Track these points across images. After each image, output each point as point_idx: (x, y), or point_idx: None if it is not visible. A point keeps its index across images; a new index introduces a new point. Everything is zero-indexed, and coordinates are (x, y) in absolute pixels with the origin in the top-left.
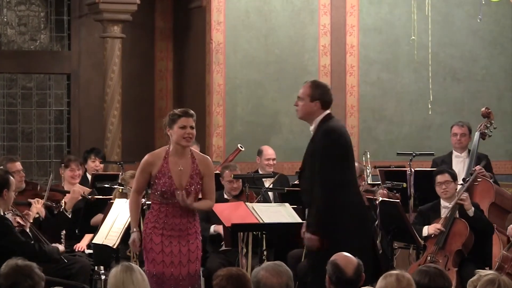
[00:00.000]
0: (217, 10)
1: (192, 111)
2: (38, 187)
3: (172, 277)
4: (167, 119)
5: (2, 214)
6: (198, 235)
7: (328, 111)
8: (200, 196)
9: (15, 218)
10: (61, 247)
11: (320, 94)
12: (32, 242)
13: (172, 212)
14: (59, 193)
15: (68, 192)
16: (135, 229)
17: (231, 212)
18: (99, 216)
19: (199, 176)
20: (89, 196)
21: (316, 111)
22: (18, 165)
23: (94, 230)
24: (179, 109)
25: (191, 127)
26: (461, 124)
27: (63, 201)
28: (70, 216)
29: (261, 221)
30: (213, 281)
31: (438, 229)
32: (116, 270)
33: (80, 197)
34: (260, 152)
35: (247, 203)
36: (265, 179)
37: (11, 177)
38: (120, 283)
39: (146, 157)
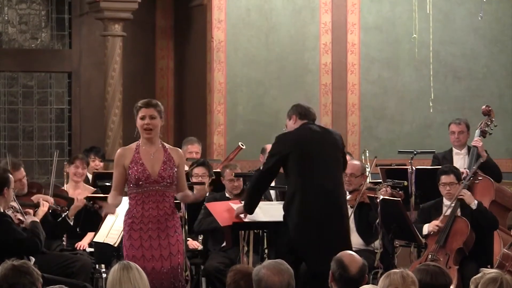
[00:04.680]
0: (218, 8)
1: (155, 101)
2: (43, 190)
3: (153, 271)
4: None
5: (2, 211)
6: (177, 229)
7: (303, 122)
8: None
9: (15, 215)
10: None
11: (294, 110)
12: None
13: (149, 203)
14: (63, 200)
15: (72, 199)
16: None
17: (225, 211)
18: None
19: (172, 162)
20: (92, 205)
21: (295, 124)
22: (20, 173)
23: (95, 228)
24: (142, 100)
25: (151, 117)
26: (458, 121)
27: (66, 207)
28: (72, 224)
29: (243, 220)
30: (228, 273)
31: (437, 225)
32: (114, 268)
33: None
34: (263, 151)
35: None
36: None
37: (10, 175)
38: (117, 281)
39: (118, 151)
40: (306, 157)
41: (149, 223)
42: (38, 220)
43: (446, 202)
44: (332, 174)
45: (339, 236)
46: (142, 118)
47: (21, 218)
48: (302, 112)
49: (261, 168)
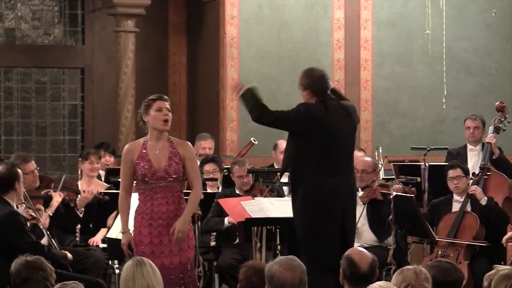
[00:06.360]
0: (230, 4)
1: (166, 96)
2: (52, 184)
3: (162, 267)
4: (143, 106)
5: (15, 208)
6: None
7: (320, 99)
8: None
9: (27, 211)
10: (69, 255)
11: (308, 84)
12: (42, 243)
13: (157, 199)
14: (72, 193)
15: (79, 192)
16: (126, 230)
17: (237, 207)
18: (114, 214)
19: (178, 157)
20: (102, 196)
21: (309, 100)
22: (32, 165)
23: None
24: (151, 96)
25: (168, 109)
26: (474, 117)
27: (78, 198)
28: (81, 215)
29: (251, 216)
30: (240, 270)
31: None
32: (127, 264)
33: (93, 197)
34: (275, 146)
35: (256, 198)
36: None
37: (19, 170)
38: (130, 277)
39: (125, 146)
40: (328, 143)
41: (159, 219)
42: (68, 254)
43: (456, 197)
44: (349, 164)
45: (352, 229)
46: (159, 109)
47: (33, 214)
48: (317, 89)
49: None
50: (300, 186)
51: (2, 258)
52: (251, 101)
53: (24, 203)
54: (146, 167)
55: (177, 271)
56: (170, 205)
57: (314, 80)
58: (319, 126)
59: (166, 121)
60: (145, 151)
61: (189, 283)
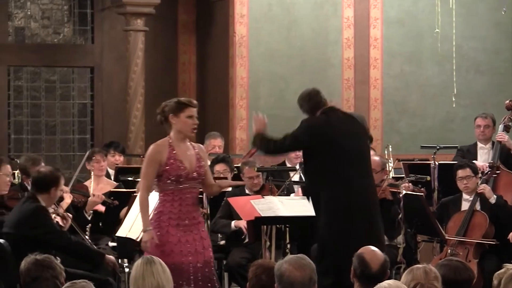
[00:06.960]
0: (240, 2)
1: (196, 102)
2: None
3: (191, 266)
4: (172, 106)
5: (43, 205)
6: (203, 223)
7: (320, 110)
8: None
9: (55, 217)
10: (110, 257)
11: (303, 105)
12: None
13: (186, 199)
14: (81, 196)
15: (89, 195)
16: (148, 228)
17: (247, 206)
18: (125, 209)
19: (201, 159)
20: (111, 200)
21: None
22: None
23: (118, 223)
24: (183, 98)
25: (197, 118)
26: (484, 115)
27: (88, 200)
28: (89, 218)
29: (261, 215)
30: (250, 268)
31: None
32: (137, 262)
33: (102, 201)
34: None
35: (266, 197)
36: (291, 172)
37: (62, 176)
38: (140, 275)
39: (152, 147)
40: (339, 149)
41: (186, 219)
42: (109, 257)
43: (465, 196)
44: (366, 167)
45: (378, 233)
46: (190, 117)
47: (60, 222)
48: (313, 105)
49: (285, 141)
50: (322, 199)
51: (12, 256)
52: (258, 139)
53: (53, 209)
54: (181, 167)
55: (204, 269)
56: (195, 206)
57: (304, 99)
58: (326, 134)
59: (195, 128)
60: (174, 152)
61: (214, 281)
